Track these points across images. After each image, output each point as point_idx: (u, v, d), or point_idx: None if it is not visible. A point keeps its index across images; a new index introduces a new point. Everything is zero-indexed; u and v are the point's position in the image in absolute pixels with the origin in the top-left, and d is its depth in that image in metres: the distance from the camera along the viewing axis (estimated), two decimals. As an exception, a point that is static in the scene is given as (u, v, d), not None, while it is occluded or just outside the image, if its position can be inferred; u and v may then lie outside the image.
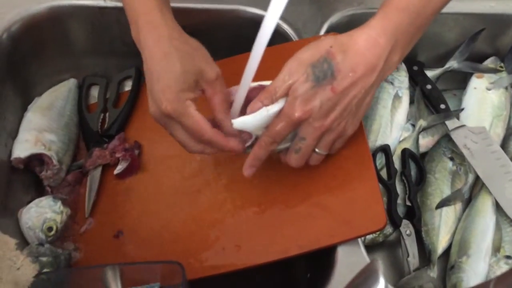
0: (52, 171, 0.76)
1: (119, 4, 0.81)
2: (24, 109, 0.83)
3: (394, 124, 0.84)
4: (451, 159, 0.82)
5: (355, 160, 0.69)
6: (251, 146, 0.63)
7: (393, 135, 0.83)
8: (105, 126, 0.82)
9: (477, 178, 0.81)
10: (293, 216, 0.68)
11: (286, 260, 0.66)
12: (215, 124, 0.61)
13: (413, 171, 0.80)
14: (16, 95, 0.82)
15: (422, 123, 0.84)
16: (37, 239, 0.71)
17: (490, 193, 0.78)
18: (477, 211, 0.78)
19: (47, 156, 0.76)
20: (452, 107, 0.87)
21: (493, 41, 0.92)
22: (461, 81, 0.93)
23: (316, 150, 0.64)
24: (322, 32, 0.83)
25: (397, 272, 0.77)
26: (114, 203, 0.75)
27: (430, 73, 0.90)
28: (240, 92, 0.59)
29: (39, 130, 0.78)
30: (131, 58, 0.82)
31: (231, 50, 0.78)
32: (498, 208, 0.78)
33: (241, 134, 0.63)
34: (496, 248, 0.75)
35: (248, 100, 0.60)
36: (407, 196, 0.78)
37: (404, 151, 0.81)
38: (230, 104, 0.62)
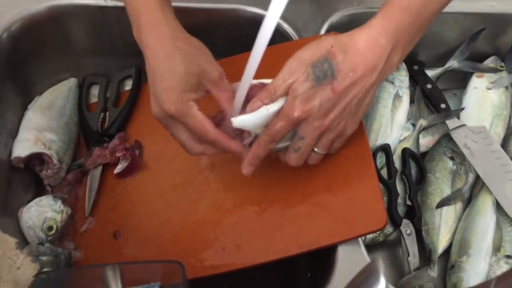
0: (52, 170, 0.76)
1: (119, 4, 0.81)
2: (24, 108, 0.83)
3: (394, 124, 0.84)
4: (452, 158, 0.82)
5: (355, 160, 0.69)
6: (250, 144, 0.63)
7: (394, 134, 0.83)
8: (105, 125, 0.82)
9: (477, 178, 0.81)
10: (293, 215, 0.68)
11: (286, 259, 0.66)
12: (217, 124, 0.61)
13: (413, 171, 0.80)
14: (16, 94, 0.82)
15: (422, 122, 0.84)
16: (37, 238, 0.71)
17: (490, 192, 0.78)
18: (477, 210, 0.78)
19: (47, 155, 0.76)
20: (452, 106, 0.87)
21: (493, 40, 0.92)
22: (461, 80, 0.93)
23: (315, 149, 0.64)
24: (323, 31, 0.83)
25: (398, 272, 0.77)
26: (114, 203, 0.76)
27: (431, 73, 0.90)
28: (240, 92, 0.59)
29: (39, 130, 0.78)
30: (131, 57, 0.83)
31: (231, 50, 0.78)
32: (498, 207, 0.78)
33: (242, 133, 0.63)
34: (497, 248, 0.75)
35: (248, 98, 0.60)
36: (407, 195, 0.78)
37: (405, 151, 0.81)
38: None
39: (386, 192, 0.78)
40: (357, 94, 0.59)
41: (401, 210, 0.77)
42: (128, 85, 0.86)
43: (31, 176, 0.79)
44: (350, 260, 0.65)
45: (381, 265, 0.40)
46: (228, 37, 0.86)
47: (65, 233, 0.73)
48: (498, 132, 0.85)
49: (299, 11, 0.85)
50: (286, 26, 0.83)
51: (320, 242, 0.66)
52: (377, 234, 0.76)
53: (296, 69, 0.58)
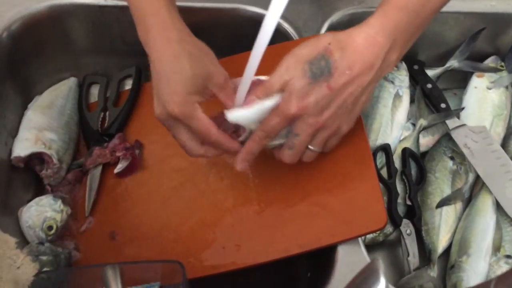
0: (52, 170, 0.76)
1: (119, 3, 0.81)
2: (24, 107, 0.82)
3: (394, 123, 0.84)
4: (452, 158, 0.82)
5: (355, 159, 0.69)
6: (245, 140, 0.63)
7: (394, 134, 0.83)
8: (105, 125, 0.82)
9: (477, 178, 0.81)
10: (293, 215, 0.68)
11: (286, 259, 0.66)
12: (218, 124, 0.61)
13: (413, 170, 0.80)
14: (16, 93, 0.82)
15: (422, 122, 0.84)
16: (37, 238, 0.71)
17: (490, 192, 0.78)
18: (477, 210, 0.78)
19: (47, 155, 0.76)
20: (452, 106, 0.87)
21: (493, 40, 0.92)
22: (461, 80, 0.93)
23: (310, 147, 0.63)
24: (323, 31, 0.83)
25: (397, 272, 0.77)
26: (114, 202, 0.75)
27: (431, 72, 0.90)
28: (241, 91, 0.59)
29: (39, 129, 0.78)
30: (132, 56, 0.83)
31: (231, 49, 0.78)
32: (498, 207, 0.78)
33: (239, 131, 0.63)
34: (496, 248, 0.75)
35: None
36: (407, 195, 0.78)
37: (405, 150, 0.81)
38: None
39: (386, 192, 0.78)
40: (353, 92, 0.59)
41: (401, 210, 0.77)
42: (128, 85, 0.86)
43: (31, 175, 0.79)
44: (350, 260, 0.65)
45: (381, 265, 0.40)
46: (229, 36, 0.86)
47: (65, 233, 0.73)
48: (498, 132, 0.85)
49: (299, 10, 0.85)
50: (286, 25, 0.83)
51: (320, 242, 0.66)
52: (377, 234, 0.76)
53: (293, 66, 0.58)
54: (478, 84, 0.89)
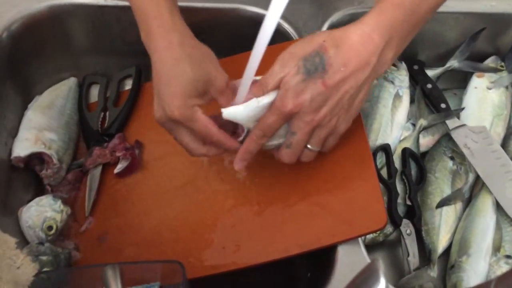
0: (52, 170, 0.76)
1: (119, 3, 0.81)
2: (24, 107, 0.82)
3: (394, 123, 0.84)
4: (452, 158, 0.82)
5: (355, 159, 0.69)
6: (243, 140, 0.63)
7: (394, 134, 0.83)
8: (105, 125, 0.82)
9: (477, 178, 0.81)
10: (293, 215, 0.68)
11: (286, 259, 0.66)
12: (219, 124, 0.61)
13: (413, 171, 0.80)
14: (16, 93, 0.82)
15: (422, 122, 0.84)
16: (37, 238, 0.71)
17: (490, 192, 0.78)
18: (477, 210, 0.78)
19: (47, 155, 0.76)
20: (452, 106, 0.87)
21: (493, 40, 0.92)
22: (461, 80, 0.93)
23: (308, 146, 0.63)
24: (323, 31, 0.83)
25: (397, 272, 0.77)
26: (114, 202, 0.75)
27: (431, 72, 0.90)
28: (241, 92, 0.59)
29: (39, 129, 0.78)
30: (132, 56, 0.83)
31: (231, 49, 0.78)
32: (498, 207, 0.78)
33: (238, 132, 0.63)
34: (496, 248, 0.75)
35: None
36: (407, 195, 0.78)
37: (405, 150, 0.81)
38: None
39: (386, 192, 0.78)
40: (349, 90, 0.59)
41: (401, 210, 0.77)
42: (128, 85, 0.86)
43: (31, 175, 0.79)
44: (350, 260, 0.65)
45: (381, 265, 0.40)
46: (229, 36, 0.86)
47: (65, 233, 0.73)
48: (498, 132, 0.85)
49: (299, 10, 0.85)
50: (286, 25, 0.83)
51: (320, 242, 0.66)
52: (377, 234, 0.76)
53: (287, 63, 0.58)
54: (478, 84, 0.89)
